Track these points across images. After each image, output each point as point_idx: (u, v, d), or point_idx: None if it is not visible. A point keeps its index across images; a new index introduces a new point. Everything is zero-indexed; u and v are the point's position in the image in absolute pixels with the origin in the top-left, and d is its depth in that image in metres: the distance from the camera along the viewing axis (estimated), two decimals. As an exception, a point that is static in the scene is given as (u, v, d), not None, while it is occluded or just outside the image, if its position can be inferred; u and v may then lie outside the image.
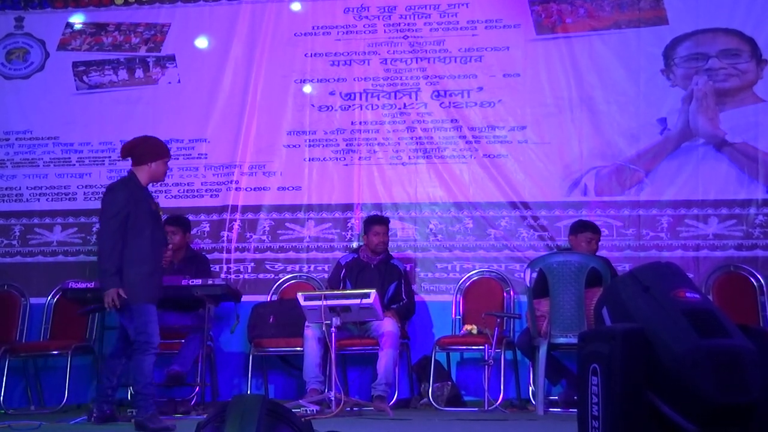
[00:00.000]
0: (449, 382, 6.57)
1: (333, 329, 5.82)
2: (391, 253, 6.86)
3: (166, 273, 6.65)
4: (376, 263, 6.73)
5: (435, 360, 6.56)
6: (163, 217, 7.08)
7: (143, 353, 5.19)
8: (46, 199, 7.55)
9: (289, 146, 7.40)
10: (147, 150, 5.36)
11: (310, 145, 7.37)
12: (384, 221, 6.83)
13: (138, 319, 5.20)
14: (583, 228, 6.55)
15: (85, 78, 7.65)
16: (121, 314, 5.30)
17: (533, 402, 6.26)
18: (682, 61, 7.12)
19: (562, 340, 5.96)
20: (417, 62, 7.37)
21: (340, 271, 6.77)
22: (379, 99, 7.38)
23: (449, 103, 7.31)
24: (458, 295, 7.00)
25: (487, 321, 6.40)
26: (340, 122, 7.40)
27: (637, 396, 2.92)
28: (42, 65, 7.70)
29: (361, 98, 7.40)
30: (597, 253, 6.52)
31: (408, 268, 7.01)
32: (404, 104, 7.36)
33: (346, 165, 7.33)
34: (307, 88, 7.46)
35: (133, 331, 5.23)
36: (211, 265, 7.06)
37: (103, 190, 7.39)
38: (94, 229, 7.44)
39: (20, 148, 7.61)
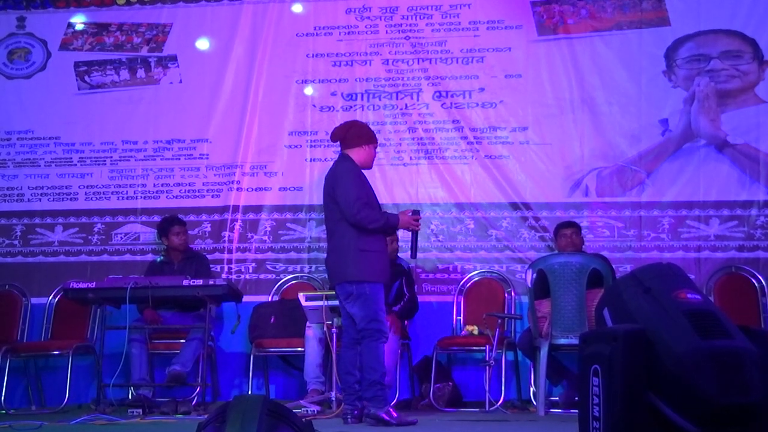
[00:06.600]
0: (450, 383, 6.56)
1: (334, 329, 5.82)
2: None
3: (166, 273, 6.72)
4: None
5: (436, 361, 6.56)
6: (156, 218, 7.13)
7: (376, 340, 5.19)
8: (48, 199, 7.55)
9: (290, 147, 7.40)
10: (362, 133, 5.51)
11: (311, 146, 7.38)
12: None
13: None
14: (560, 227, 6.64)
15: (86, 78, 7.65)
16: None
17: (534, 403, 6.26)
18: (684, 62, 7.11)
19: (563, 341, 5.96)
20: (419, 63, 7.37)
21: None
22: (380, 99, 7.38)
23: (451, 103, 7.31)
24: (459, 296, 7.00)
25: (488, 322, 6.40)
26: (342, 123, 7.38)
27: (638, 397, 2.92)
28: (44, 65, 7.71)
29: (362, 99, 7.40)
30: (598, 253, 6.52)
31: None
32: (406, 105, 7.35)
33: (348, 165, 7.31)
34: (309, 89, 7.47)
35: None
36: (212, 266, 7.06)
37: (104, 189, 7.51)
38: (95, 229, 7.45)
39: (22, 147, 7.61)
